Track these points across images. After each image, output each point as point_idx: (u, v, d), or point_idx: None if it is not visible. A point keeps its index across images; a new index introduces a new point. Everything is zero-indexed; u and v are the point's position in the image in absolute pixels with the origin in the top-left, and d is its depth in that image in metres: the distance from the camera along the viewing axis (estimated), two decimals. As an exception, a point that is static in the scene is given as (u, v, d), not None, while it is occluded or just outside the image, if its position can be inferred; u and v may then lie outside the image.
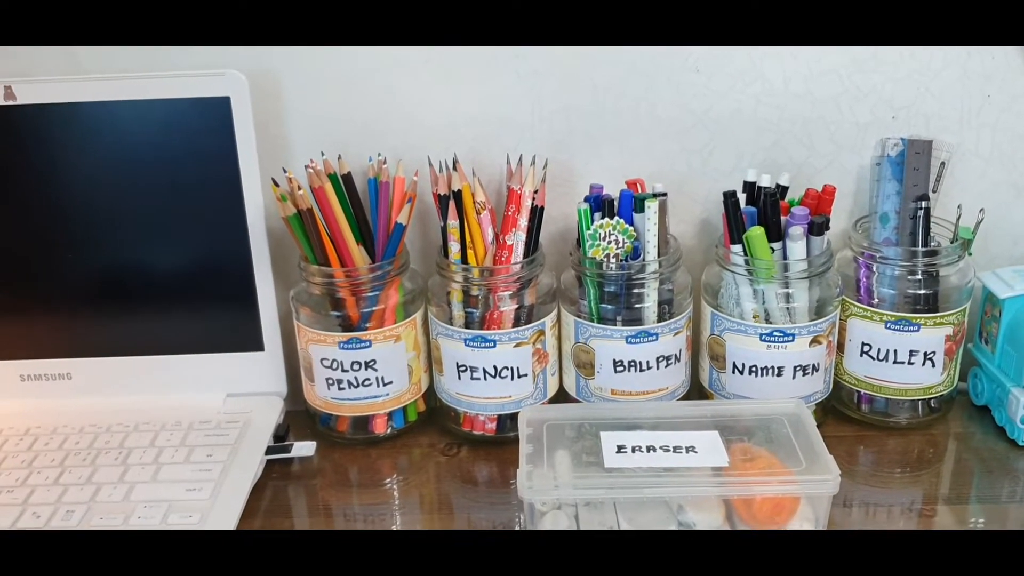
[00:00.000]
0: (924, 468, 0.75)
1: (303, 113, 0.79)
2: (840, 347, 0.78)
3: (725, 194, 0.73)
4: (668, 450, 0.64)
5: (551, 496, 0.63)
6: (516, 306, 0.75)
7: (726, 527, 0.63)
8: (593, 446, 0.66)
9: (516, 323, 0.75)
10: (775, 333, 0.73)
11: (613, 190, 0.76)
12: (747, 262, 0.73)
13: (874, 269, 0.76)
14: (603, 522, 0.64)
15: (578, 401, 0.78)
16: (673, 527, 0.63)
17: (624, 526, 0.63)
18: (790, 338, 0.73)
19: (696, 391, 0.81)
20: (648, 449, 0.65)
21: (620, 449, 0.65)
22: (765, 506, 0.62)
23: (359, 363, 0.75)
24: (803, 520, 0.63)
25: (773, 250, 0.73)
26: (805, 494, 0.62)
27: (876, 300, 0.76)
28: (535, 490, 0.62)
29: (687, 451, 0.64)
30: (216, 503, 0.69)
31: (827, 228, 0.73)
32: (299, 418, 0.82)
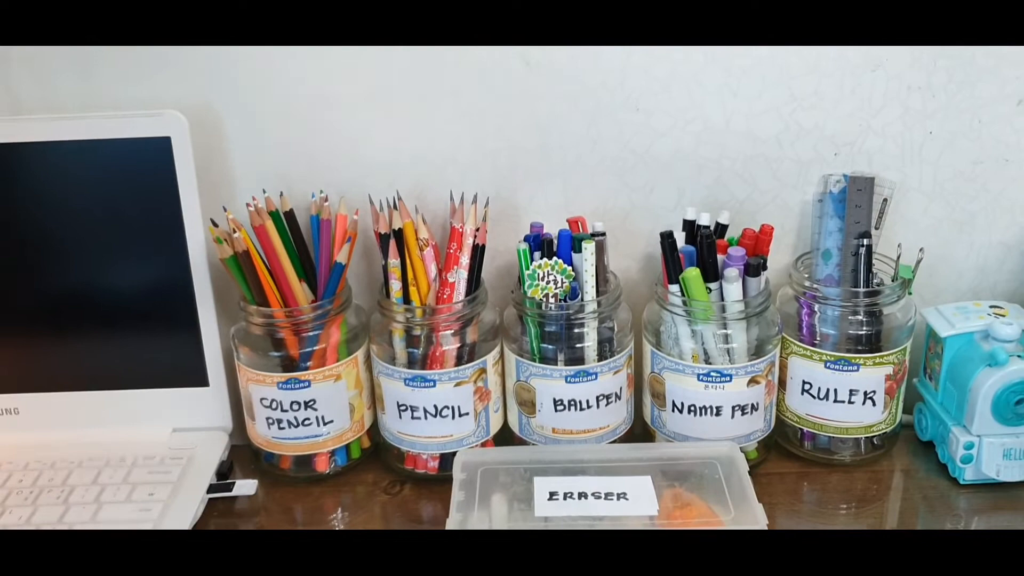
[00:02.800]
0: (867, 505, 0.76)
1: (247, 149, 0.79)
2: (782, 384, 0.78)
3: (662, 235, 0.73)
4: (600, 497, 0.65)
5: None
6: (458, 344, 0.75)
7: None
8: (526, 492, 0.66)
9: (458, 361, 0.75)
10: (712, 374, 0.73)
11: (557, 226, 0.76)
12: (684, 303, 0.73)
13: (815, 309, 0.76)
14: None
15: (522, 439, 0.78)
16: None
17: None
18: (727, 379, 0.73)
19: (641, 427, 0.81)
20: (580, 496, 0.65)
21: (552, 496, 0.65)
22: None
23: (298, 403, 0.75)
24: (732, 566, 0.63)
25: (710, 290, 0.73)
26: (732, 543, 0.62)
27: (818, 339, 0.76)
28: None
29: (619, 498, 0.65)
30: (154, 545, 0.69)
31: (764, 269, 0.73)
32: (245, 452, 0.82)
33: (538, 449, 0.75)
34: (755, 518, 0.61)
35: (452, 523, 0.63)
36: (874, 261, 0.76)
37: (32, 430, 0.81)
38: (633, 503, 0.64)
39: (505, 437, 0.80)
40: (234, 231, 0.72)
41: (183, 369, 0.80)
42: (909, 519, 0.74)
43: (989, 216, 0.81)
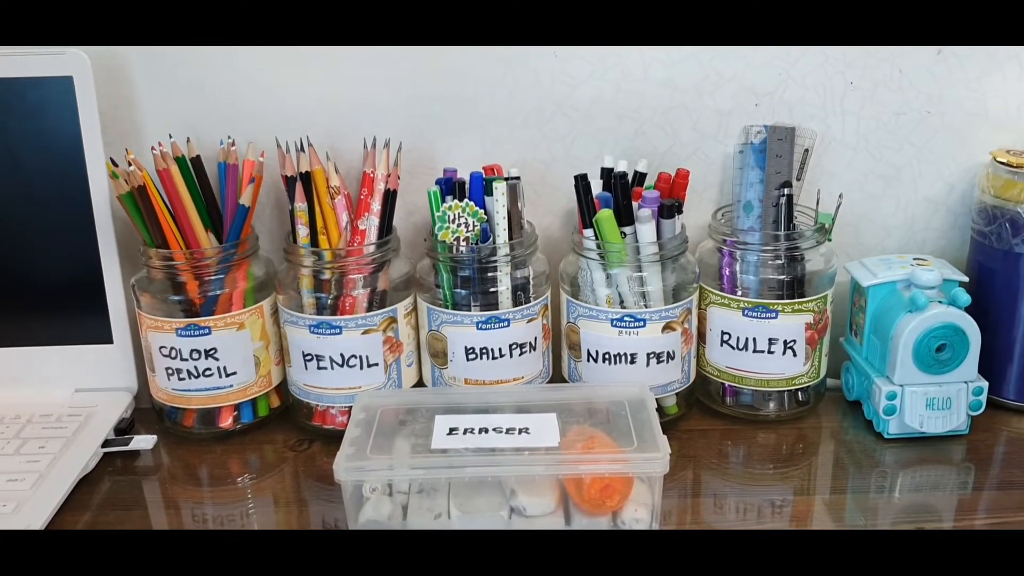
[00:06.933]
0: (793, 462, 0.73)
1: (155, 97, 0.77)
2: (702, 338, 0.75)
3: (576, 177, 0.71)
4: (500, 432, 0.62)
5: (366, 478, 0.60)
6: (368, 291, 0.73)
7: (559, 511, 0.60)
8: (425, 430, 0.63)
9: (368, 309, 0.72)
10: (626, 318, 0.70)
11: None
12: (599, 246, 0.71)
13: (736, 257, 0.74)
14: (433, 507, 0.61)
15: (433, 393, 0.75)
16: (505, 512, 0.60)
17: (455, 512, 0.61)
18: (641, 323, 0.70)
19: (559, 382, 0.78)
20: (480, 431, 0.62)
21: (451, 431, 0.62)
22: (594, 488, 0.59)
23: (199, 351, 0.72)
24: (637, 504, 0.60)
25: (624, 234, 0.71)
26: (634, 473, 0.59)
27: (740, 290, 0.74)
28: (350, 470, 0.59)
29: (520, 432, 0.62)
30: (36, 493, 0.66)
31: (679, 211, 0.71)
32: (151, 416, 0.79)
33: (442, 391, 0.72)
34: (656, 447, 0.58)
35: (341, 457, 0.59)
36: (796, 213, 0.74)
37: (-71, 389, 0.78)
38: (535, 436, 0.61)
39: (419, 394, 0.77)
40: (129, 166, 0.70)
41: (86, 326, 0.77)
42: (830, 475, 0.72)
43: (914, 170, 0.80)
